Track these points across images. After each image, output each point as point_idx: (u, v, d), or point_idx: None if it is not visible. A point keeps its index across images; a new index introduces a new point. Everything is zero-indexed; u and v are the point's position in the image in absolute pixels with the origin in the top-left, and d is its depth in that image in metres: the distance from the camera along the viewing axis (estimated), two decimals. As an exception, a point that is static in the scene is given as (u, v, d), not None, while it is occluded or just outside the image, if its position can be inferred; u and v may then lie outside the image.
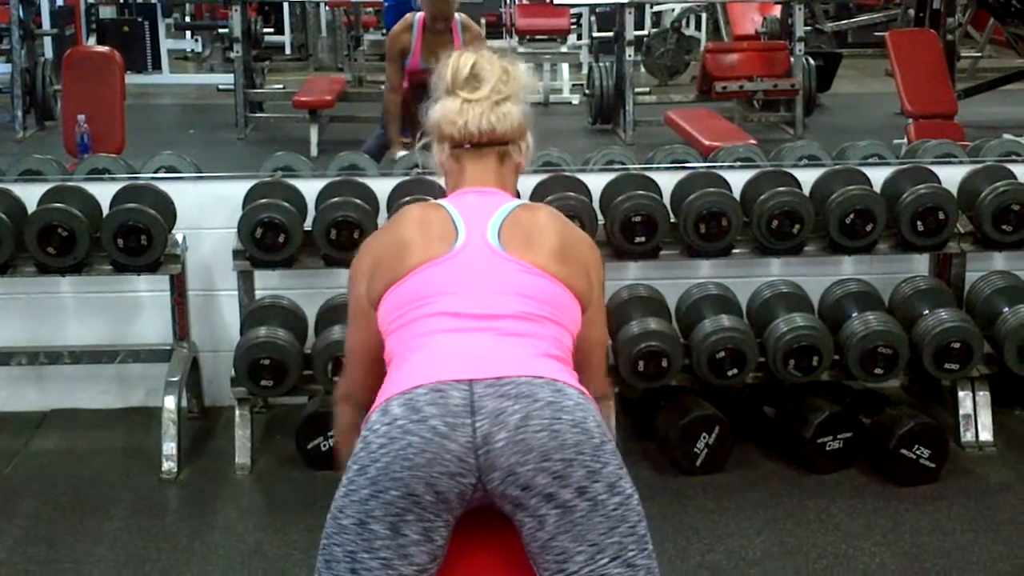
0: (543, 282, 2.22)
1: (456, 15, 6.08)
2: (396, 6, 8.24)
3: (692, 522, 3.82)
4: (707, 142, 6.71)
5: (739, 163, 4.88)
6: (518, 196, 2.46)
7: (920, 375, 4.41)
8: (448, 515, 2.05)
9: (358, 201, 4.26)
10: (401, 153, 5.86)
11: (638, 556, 2.05)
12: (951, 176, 4.54)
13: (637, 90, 9.22)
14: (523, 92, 2.36)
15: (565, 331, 2.23)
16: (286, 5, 12.65)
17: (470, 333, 2.14)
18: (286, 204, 4.29)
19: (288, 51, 13.02)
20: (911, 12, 9.79)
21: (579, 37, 11.86)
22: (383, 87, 6.76)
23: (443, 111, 2.34)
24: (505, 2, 11.62)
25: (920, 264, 4.69)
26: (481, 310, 2.16)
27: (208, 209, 4.59)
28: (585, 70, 10.36)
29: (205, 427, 4.56)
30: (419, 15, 6.10)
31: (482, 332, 2.14)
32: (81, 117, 6.43)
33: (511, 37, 10.84)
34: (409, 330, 2.18)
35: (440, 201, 2.35)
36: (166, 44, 11.88)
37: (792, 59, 9.00)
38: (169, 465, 4.17)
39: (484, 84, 2.31)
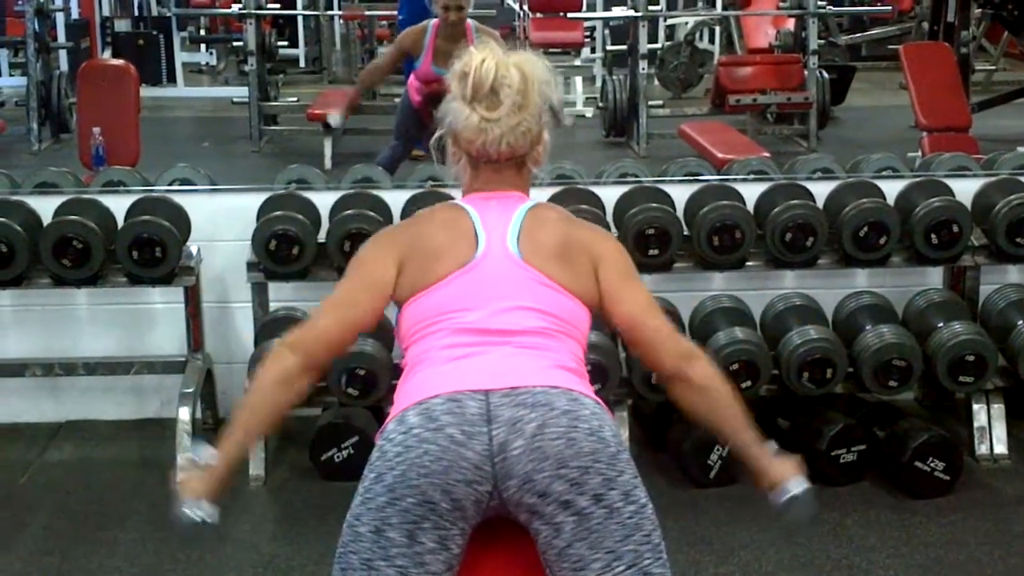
0: (559, 296, 2.24)
1: (470, 21, 6.08)
2: (410, 19, 8.26)
3: (705, 534, 3.81)
4: (720, 155, 6.71)
5: (752, 176, 4.89)
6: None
7: (934, 388, 4.40)
8: (464, 523, 2.06)
9: (372, 213, 4.27)
10: (335, 117, 6.72)
11: (653, 564, 2.06)
12: (965, 189, 4.53)
13: (651, 103, 9.22)
14: (541, 95, 2.29)
15: (578, 344, 2.26)
16: (300, 18, 12.69)
17: (488, 347, 2.17)
18: (300, 216, 4.31)
19: (302, 64, 13.05)
20: (925, 25, 9.81)
21: (593, 50, 11.88)
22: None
23: (462, 125, 2.27)
24: (519, 15, 11.65)
25: (934, 277, 4.67)
26: (499, 326, 2.18)
27: (222, 221, 4.61)
28: (599, 83, 10.37)
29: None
30: (433, 21, 6.11)
31: (500, 347, 2.17)
32: (96, 130, 6.45)
33: (524, 50, 10.86)
34: (428, 342, 2.21)
35: (462, 203, 2.34)
36: (181, 57, 11.93)
37: (806, 72, 8.99)
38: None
39: (504, 100, 2.24)
